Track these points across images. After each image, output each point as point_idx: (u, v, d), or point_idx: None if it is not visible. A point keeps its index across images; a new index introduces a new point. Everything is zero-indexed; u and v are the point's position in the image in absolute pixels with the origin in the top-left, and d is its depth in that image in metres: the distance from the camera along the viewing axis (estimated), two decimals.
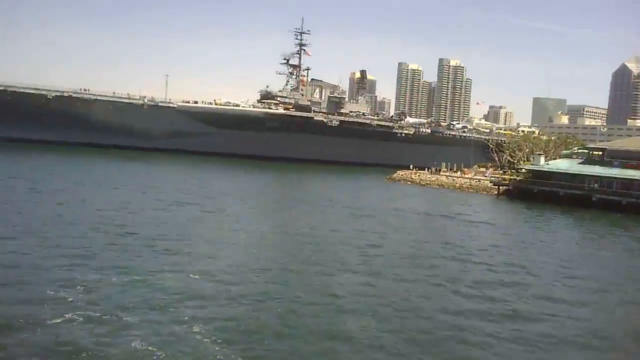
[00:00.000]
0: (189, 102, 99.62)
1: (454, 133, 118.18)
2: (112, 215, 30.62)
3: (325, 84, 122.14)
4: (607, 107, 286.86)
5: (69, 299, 16.61)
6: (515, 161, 79.19)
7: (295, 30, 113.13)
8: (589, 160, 63.91)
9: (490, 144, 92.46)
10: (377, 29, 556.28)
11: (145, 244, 24.44)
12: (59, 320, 14.99)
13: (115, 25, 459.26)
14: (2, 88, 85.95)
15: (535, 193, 60.39)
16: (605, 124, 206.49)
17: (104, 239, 24.71)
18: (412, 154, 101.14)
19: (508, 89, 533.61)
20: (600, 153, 63.87)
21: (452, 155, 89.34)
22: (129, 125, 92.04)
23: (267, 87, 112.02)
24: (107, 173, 55.64)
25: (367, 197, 52.51)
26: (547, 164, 65.62)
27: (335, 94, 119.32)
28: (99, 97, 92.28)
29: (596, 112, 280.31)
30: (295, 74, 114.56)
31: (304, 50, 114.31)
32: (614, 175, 58.05)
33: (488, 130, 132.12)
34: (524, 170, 68.15)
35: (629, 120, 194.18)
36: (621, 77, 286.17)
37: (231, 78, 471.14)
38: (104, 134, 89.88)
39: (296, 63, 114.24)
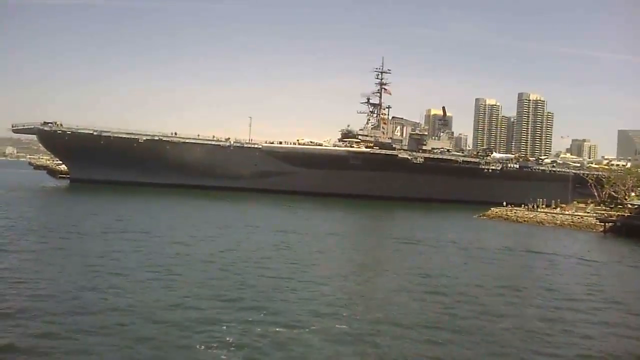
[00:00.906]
0: (272, 143, 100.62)
1: (543, 168, 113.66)
2: (231, 256, 29.95)
3: (406, 121, 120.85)
4: None
5: (222, 356, 15.56)
6: (620, 196, 74.55)
7: (375, 69, 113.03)
8: None
9: (590, 178, 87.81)
10: (452, 65, 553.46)
11: (278, 287, 23.34)
12: None
13: (202, 73, 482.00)
14: (95, 133, 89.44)
15: None
16: None
17: (235, 282, 23.73)
18: (500, 190, 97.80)
19: (591, 122, 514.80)
20: None
21: (542, 191, 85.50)
22: (216, 166, 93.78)
23: (348, 126, 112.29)
24: (204, 214, 55.94)
25: (469, 236, 49.99)
26: None
27: (417, 132, 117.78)
28: (187, 140, 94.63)
29: None
30: (376, 112, 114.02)
31: (385, 89, 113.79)
32: None
33: (579, 165, 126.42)
34: (629, 206, 63.91)
35: None
36: None
37: (310, 118, 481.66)
38: (191, 175, 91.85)
39: (377, 102, 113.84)
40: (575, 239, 53.16)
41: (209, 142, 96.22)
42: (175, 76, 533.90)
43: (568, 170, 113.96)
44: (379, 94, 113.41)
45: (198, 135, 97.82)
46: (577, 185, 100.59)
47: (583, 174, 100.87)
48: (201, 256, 29.46)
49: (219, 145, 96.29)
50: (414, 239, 44.33)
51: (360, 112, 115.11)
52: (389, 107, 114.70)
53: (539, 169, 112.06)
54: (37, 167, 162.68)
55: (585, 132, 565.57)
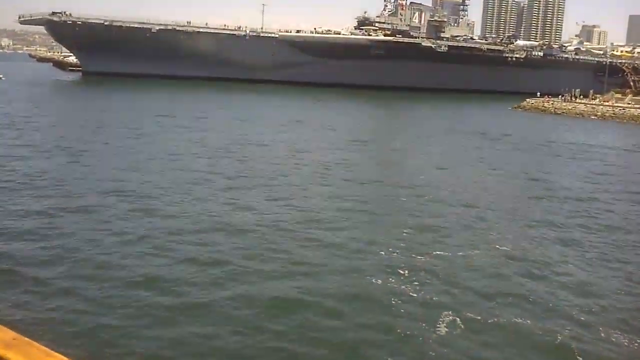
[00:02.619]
0: (289, 32, 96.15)
1: (566, 56, 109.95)
2: (308, 158, 27.79)
3: (425, 7, 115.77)
4: None
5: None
6: None
7: None
8: None
9: (626, 67, 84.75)
10: None
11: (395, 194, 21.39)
12: None
13: None
14: (106, 23, 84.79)
15: None
16: None
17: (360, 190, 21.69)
18: (526, 79, 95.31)
19: (601, 7, 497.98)
20: None
21: (567, 80, 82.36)
22: (231, 57, 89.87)
23: (365, 12, 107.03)
24: (234, 107, 53.52)
25: (515, 129, 47.73)
26: None
27: (436, 18, 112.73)
28: (201, 30, 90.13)
29: None
30: None
31: None
32: None
33: (602, 53, 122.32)
34: None
35: None
36: None
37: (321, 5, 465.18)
38: (206, 66, 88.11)
39: None
40: (628, 132, 51.48)
41: (224, 32, 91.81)
42: None
43: (592, 59, 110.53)
44: None
45: (206, 24, 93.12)
46: (599, 74, 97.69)
47: (619, 62, 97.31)
48: (277, 156, 27.43)
49: (235, 34, 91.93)
50: (467, 132, 42.53)
51: None
52: None
53: (563, 57, 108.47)
54: (41, 60, 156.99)
55: (594, 18, 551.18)
